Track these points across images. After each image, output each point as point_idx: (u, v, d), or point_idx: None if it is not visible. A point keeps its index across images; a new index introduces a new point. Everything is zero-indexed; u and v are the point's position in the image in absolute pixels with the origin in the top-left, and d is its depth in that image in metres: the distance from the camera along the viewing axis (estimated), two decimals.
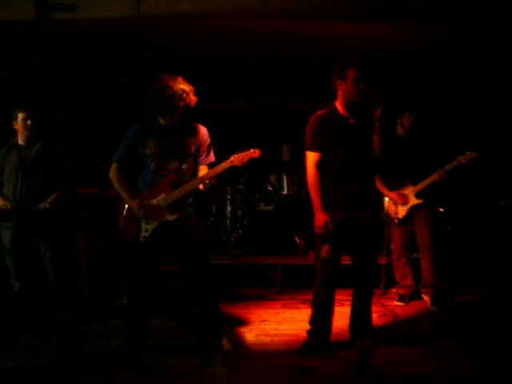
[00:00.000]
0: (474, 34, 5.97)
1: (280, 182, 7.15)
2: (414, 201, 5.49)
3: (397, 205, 5.55)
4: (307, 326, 4.47)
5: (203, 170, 3.96)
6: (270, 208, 6.96)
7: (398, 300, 5.70)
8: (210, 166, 3.99)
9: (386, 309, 5.52)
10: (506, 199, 6.46)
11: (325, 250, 4.23)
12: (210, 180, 3.83)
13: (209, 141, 4.04)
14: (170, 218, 3.85)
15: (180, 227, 3.93)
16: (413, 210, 5.53)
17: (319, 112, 4.28)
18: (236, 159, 3.85)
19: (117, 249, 5.97)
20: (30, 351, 4.33)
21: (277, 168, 7.31)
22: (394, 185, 5.56)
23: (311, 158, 4.24)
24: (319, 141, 4.21)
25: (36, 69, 6.58)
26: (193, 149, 3.95)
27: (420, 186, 5.47)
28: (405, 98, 5.73)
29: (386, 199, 5.65)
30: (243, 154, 3.86)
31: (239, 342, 4.55)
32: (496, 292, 6.09)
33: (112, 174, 4.06)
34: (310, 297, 5.77)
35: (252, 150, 3.88)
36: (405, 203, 5.50)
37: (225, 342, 4.44)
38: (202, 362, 3.96)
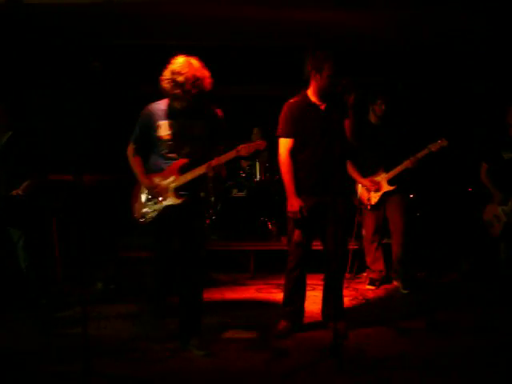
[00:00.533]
0: (445, 22, 6.05)
1: (252, 168, 7.19)
2: (386, 187, 5.56)
3: (369, 191, 5.64)
4: (280, 310, 4.55)
5: (215, 154, 3.88)
6: (242, 194, 7.02)
7: (369, 284, 5.82)
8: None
9: (357, 292, 5.62)
10: (474, 186, 6.58)
11: (297, 234, 4.34)
12: (217, 168, 3.80)
13: (222, 125, 3.99)
14: (176, 201, 3.86)
15: (182, 212, 3.91)
16: (385, 196, 5.61)
17: (291, 100, 4.35)
18: (242, 149, 3.83)
19: (91, 235, 6.03)
20: (4, 338, 4.33)
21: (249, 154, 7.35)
22: (367, 171, 5.64)
23: (284, 144, 4.31)
24: (291, 127, 4.28)
25: (8, 56, 6.48)
26: (206, 133, 3.90)
27: (392, 173, 5.53)
28: (377, 86, 5.75)
29: (359, 185, 5.73)
30: (250, 144, 3.85)
31: (213, 327, 4.58)
32: (463, 274, 6.25)
33: (129, 153, 4.07)
34: (282, 281, 5.89)
35: (259, 142, 3.89)
36: (377, 190, 5.58)
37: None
38: (180, 347, 4.01)
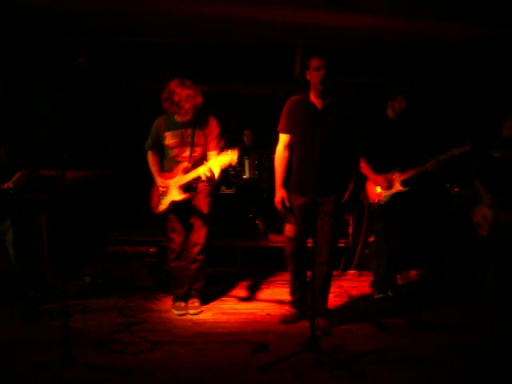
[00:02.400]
0: (431, 27, 6.11)
1: (242, 165, 7.24)
2: (398, 187, 5.14)
3: (381, 189, 5.23)
4: (265, 305, 4.63)
5: (212, 156, 4.58)
6: (231, 191, 7.07)
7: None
8: None
9: (341, 289, 5.68)
10: (450, 184, 6.61)
11: (287, 228, 4.50)
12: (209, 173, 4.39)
13: (217, 131, 4.71)
14: (179, 197, 4.63)
15: (189, 204, 4.72)
16: (395, 197, 5.18)
17: (293, 97, 4.48)
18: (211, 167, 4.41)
19: (80, 230, 6.08)
20: None
21: (239, 152, 7.38)
22: (381, 169, 5.21)
23: (281, 139, 4.51)
24: (288, 124, 4.45)
25: None
26: (203, 139, 4.69)
27: (408, 174, 5.14)
28: (396, 84, 5.57)
29: (369, 183, 5.33)
30: (223, 165, 4.39)
31: (196, 320, 4.66)
32: (439, 271, 6.33)
33: (148, 158, 4.93)
34: (268, 278, 5.99)
35: (230, 158, 4.37)
36: (389, 188, 5.18)
37: (182, 321, 4.62)
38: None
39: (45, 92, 6.50)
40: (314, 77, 4.27)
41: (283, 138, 4.50)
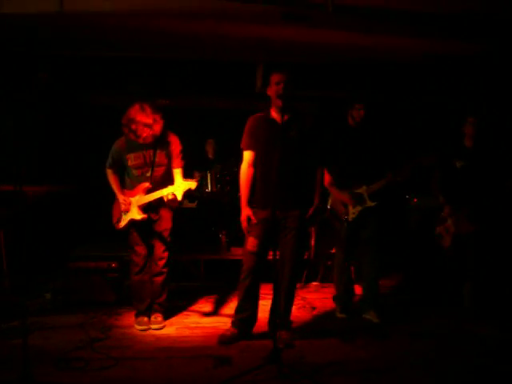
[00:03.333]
0: (387, 42, 6.25)
1: (204, 179, 7.25)
2: (368, 203, 5.00)
3: (347, 205, 5.06)
4: (228, 319, 4.61)
5: (177, 173, 4.73)
6: (193, 205, 7.07)
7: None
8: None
9: (305, 301, 5.73)
10: (417, 197, 6.72)
11: (250, 242, 4.43)
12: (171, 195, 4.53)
13: (179, 148, 4.76)
14: (138, 217, 4.69)
15: (150, 218, 4.78)
16: (364, 212, 5.02)
17: (255, 114, 4.52)
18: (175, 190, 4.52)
19: (40, 246, 6.00)
20: None
21: (201, 165, 7.40)
22: (346, 182, 5.06)
23: (244, 156, 4.51)
24: (250, 140, 4.47)
25: None
26: (165, 159, 4.74)
27: (375, 187, 5.00)
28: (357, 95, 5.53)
29: (332, 197, 5.24)
30: (184, 190, 4.50)
31: (159, 335, 4.64)
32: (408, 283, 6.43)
33: (108, 175, 4.91)
34: (232, 291, 5.98)
35: (191, 183, 4.52)
36: (357, 203, 5.01)
37: (145, 336, 4.59)
38: None
39: (4, 107, 6.42)
40: (273, 92, 4.32)
41: (247, 155, 4.49)
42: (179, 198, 4.50)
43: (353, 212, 5.03)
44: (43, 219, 6.23)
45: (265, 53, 6.82)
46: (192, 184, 4.51)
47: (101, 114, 7.27)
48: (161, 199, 4.65)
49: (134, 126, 4.50)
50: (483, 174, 5.34)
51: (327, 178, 5.05)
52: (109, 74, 6.97)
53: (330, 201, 5.28)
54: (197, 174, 7.16)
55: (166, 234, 4.82)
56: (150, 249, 4.84)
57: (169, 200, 4.54)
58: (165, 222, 4.82)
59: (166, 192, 4.51)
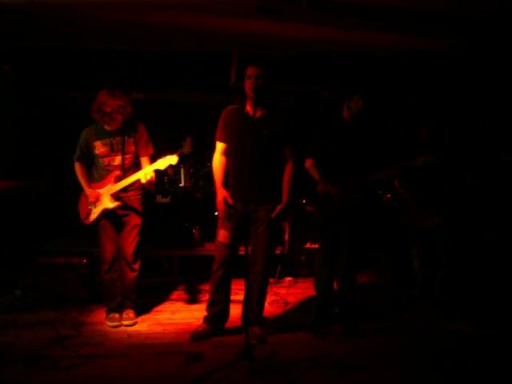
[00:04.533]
0: (361, 37, 6.26)
1: (177, 174, 7.19)
2: (353, 196, 4.79)
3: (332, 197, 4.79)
4: (201, 315, 4.58)
5: (145, 162, 4.74)
6: (166, 200, 7.01)
7: None
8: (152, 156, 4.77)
9: (278, 297, 5.71)
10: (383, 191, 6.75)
11: (221, 234, 4.42)
12: (149, 176, 4.52)
13: (146, 136, 4.76)
14: (111, 205, 4.62)
15: (121, 212, 4.73)
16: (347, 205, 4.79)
17: (230, 106, 4.50)
18: (158, 164, 4.51)
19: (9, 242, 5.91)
20: None
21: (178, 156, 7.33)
22: (335, 174, 4.82)
23: (217, 147, 4.53)
24: (224, 132, 4.46)
25: None
26: (133, 146, 4.72)
27: (364, 181, 4.81)
28: (354, 82, 5.42)
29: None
30: (164, 160, 4.49)
31: (131, 332, 4.60)
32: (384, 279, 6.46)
33: (76, 169, 4.85)
34: (205, 287, 5.94)
35: (170, 159, 4.48)
36: (341, 197, 4.76)
37: (116, 333, 4.55)
38: None
39: None
40: (247, 85, 4.28)
41: (219, 146, 4.50)
42: (151, 177, 4.54)
43: (336, 204, 4.79)
44: (12, 214, 6.12)
45: (239, 46, 6.79)
46: (173, 159, 4.47)
47: (72, 109, 7.16)
48: (131, 192, 4.72)
49: (108, 109, 4.48)
50: (445, 169, 5.40)
51: (314, 169, 4.83)
52: (80, 67, 6.87)
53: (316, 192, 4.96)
54: (170, 169, 7.10)
55: (135, 230, 4.77)
56: (119, 245, 4.78)
57: (148, 181, 4.52)
58: (135, 218, 4.77)
59: (141, 174, 4.50)
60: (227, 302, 4.54)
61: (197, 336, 4.40)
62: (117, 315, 4.77)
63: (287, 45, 6.80)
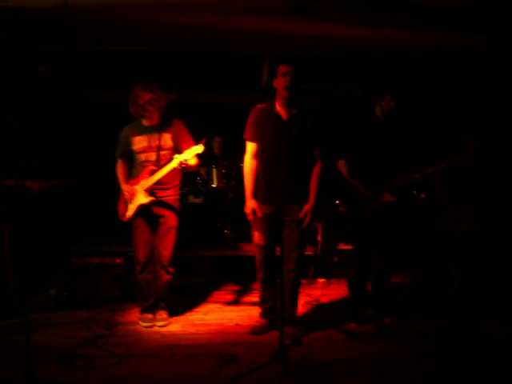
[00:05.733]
0: (393, 36, 6.17)
1: (209, 174, 7.20)
2: (387, 197, 4.68)
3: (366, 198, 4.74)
4: (234, 316, 4.60)
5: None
6: (199, 201, 7.02)
7: None
8: None
9: (311, 298, 5.65)
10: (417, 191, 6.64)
11: (256, 236, 4.49)
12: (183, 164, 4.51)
13: (184, 131, 4.75)
14: (145, 200, 4.61)
15: (157, 212, 4.72)
16: (384, 206, 4.70)
17: (259, 105, 4.46)
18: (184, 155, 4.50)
19: (45, 242, 5.97)
20: None
21: (207, 161, 7.35)
22: (369, 175, 4.76)
23: (248, 147, 4.51)
24: (253, 132, 4.44)
25: None
26: (170, 142, 4.69)
27: (396, 182, 4.69)
28: (385, 81, 5.33)
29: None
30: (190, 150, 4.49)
31: (164, 332, 4.60)
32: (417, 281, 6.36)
33: (116, 166, 4.90)
34: (237, 287, 5.94)
35: (196, 148, 4.48)
36: (377, 197, 4.69)
37: (150, 333, 4.56)
38: None
39: (7, 101, 6.38)
40: (280, 83, 4.25)
41: (250, 147, 4.49)
42: (193, 162, 4.57)
43: (370, 205, 4.72)
44: (47, 214, 6.18)
45: (271, 46, 6.74)
46: (199, 148, 4.48)
47: (105, 109, 7.22)
48: (169, 191, 4.75)
49: (140, 101, 4.51)
50: (486, 173, 5.32)
51: (348, 172, 4.79)
52: (112, 68, 6.92)
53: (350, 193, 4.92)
54: (202, 170, 7.11)
55: (171, 232, 4.76)
56: (154, 246, 4.79)
57: (183, 168, 4.57)
58: (170, 220, 4.76)
59: (175, 162, 4.50)
60: (275, 299, 4.59)
61: (255, 330, 4.56)
62: (150, 315, 4.78)
63: (319, 44, 6.74)
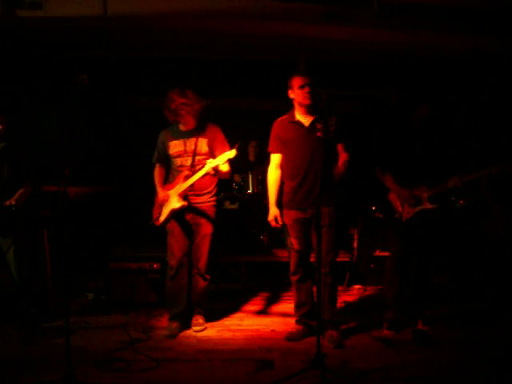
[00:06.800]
0: (431, 39, 6.12)
1: (245, 180, 7.20)
2: (425, 205, 4.62)
3: (405, 204, 4.69)
4: (269, 322, 4.59)
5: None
6: (235, 206, 7.03)
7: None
8: None
9: (346, 305, 5.61)
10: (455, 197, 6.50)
11: (290, 241, 4.55)
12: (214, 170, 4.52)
13: (221, 136, 4.78)
14: (177, 204, 4.61)
15: (189, 215, 4.74)
16: (421, 214, 4.64)
17: (280, 118, 4.60)
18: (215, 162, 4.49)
19: (83, 246, 6.05)
20: None
21: (242, 167, 7.36)
22: (406, 182, 4.70)
23: (272, 159, 4.63)
24: (277, 144, 4.58)
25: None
26: (206, 147, 4.72)
27: (437, 189, 4.60)
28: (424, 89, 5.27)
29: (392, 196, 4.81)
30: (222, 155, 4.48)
31: (200, 337, 4.61)
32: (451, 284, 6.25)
33: (154, 171, 4.95)
34: (272, 293, 5.93)
35: (229, 154, 4.47)
36: (415, 204, 4.64)
37: (186, 338, 4.57)
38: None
39: (48, 109, 6.52)
40: (299, 95, 4.38)
41: (274, 158, 4.62)
42: (225, 169, 4.61)
43: (407, 212, 4.66)
44: (85, 219, 6.28)
45: (307, 52, 6.75)
46: (231, 153, 4.47)
47: (141, 116, 7.29)
48: (205, 196, 4.76)
49: (172, 105, 4.59)
50: None
51: (387, 177, 4.77)
52: (150, 75, 7.00)
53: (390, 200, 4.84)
54: (238, 176, 7.12)
55: (207, 240, 4.77)
56: (188, 252, 4.81)
57: (215, 174, 4.61)
58: (205, 228, 4.78)
59: (207, 167, 4.49)
60: (312, 303, 4.60)
61: (292, 336, 4.57)
62: (174, 324, 4.72)
63: (355, 50, 6.72)
